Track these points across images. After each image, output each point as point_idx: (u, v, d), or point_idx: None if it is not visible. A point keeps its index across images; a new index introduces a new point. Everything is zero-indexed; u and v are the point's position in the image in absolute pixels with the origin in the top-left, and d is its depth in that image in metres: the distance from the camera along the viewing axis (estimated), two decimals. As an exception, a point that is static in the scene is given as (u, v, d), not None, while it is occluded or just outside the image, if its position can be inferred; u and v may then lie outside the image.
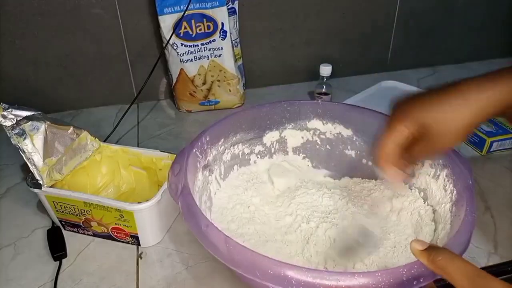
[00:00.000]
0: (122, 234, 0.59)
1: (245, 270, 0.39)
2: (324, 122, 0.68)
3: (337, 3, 1.00)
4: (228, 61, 0.89)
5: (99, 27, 0.89)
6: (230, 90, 0.93)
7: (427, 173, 0.57)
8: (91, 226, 0.60)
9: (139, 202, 0.56)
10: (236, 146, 0.65)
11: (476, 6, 1.10)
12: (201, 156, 0.57)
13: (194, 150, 0.54)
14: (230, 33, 0.87)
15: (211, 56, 0.88)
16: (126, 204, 0.56)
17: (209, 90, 0.92)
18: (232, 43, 0.88)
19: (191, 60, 0.88)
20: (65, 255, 0.59)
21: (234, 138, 0.64)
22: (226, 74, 0.91)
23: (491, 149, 0.78)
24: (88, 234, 0.62)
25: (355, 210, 0.60)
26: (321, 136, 0.70)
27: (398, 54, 1.12)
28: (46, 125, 0.60)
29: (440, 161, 0.54)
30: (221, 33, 0.86)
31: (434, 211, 0.55)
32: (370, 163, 0.66)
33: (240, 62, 0.97)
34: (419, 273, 0.37)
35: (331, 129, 0.68)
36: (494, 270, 0.55)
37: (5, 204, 0.69)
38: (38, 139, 0.59)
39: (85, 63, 0.93)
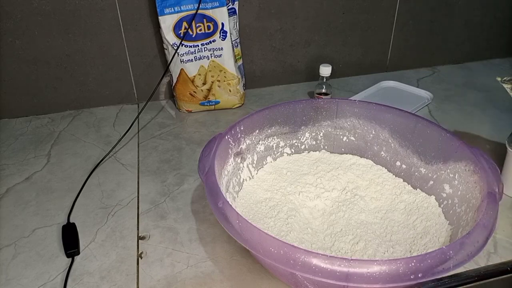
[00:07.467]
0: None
1: (251, 246, 0.42)
2: (361, 121, 0.70)
3: (337, 3, 1.00)
4: (228, 61, 0.90)
5: (99, 27, 0.89)
6: (230, 90, 0.93)
7: (454, 177, 0.59)
8: None
9: None
10: (270, 139, 0.69)
11: (476, 6, 1.10)
12: (233, 144, 0.61)
13: (226, 137, 0.59)
14: (230, 34, 0.87)
15: (211, 56, 0.88)
16: None
17: (209, 90, 0.92)
18: (232, 43, 0.89)
19: (191, 60, 0.88)
20: (77, 252, 0.58)
21: (269, 131, 0.68)
22: (226, 74, 0.91)
23: (491, 149, 0.78)
24: None
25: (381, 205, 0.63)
26: (356, 135, 0.71)
27: (397, 54, 1.12)
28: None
29: (471, 166, 0.55)
30: (221, 34, 0.86)
31: (457, 214, 0.56)
32: (404, 166, 0.67)
33: (240, 62, 0.97)
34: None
35: (367, 128, 0.70)
36: (494, 270, 0.55)
37: (5, 204, 0.69)
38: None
39: (85, 63, 0.93)
